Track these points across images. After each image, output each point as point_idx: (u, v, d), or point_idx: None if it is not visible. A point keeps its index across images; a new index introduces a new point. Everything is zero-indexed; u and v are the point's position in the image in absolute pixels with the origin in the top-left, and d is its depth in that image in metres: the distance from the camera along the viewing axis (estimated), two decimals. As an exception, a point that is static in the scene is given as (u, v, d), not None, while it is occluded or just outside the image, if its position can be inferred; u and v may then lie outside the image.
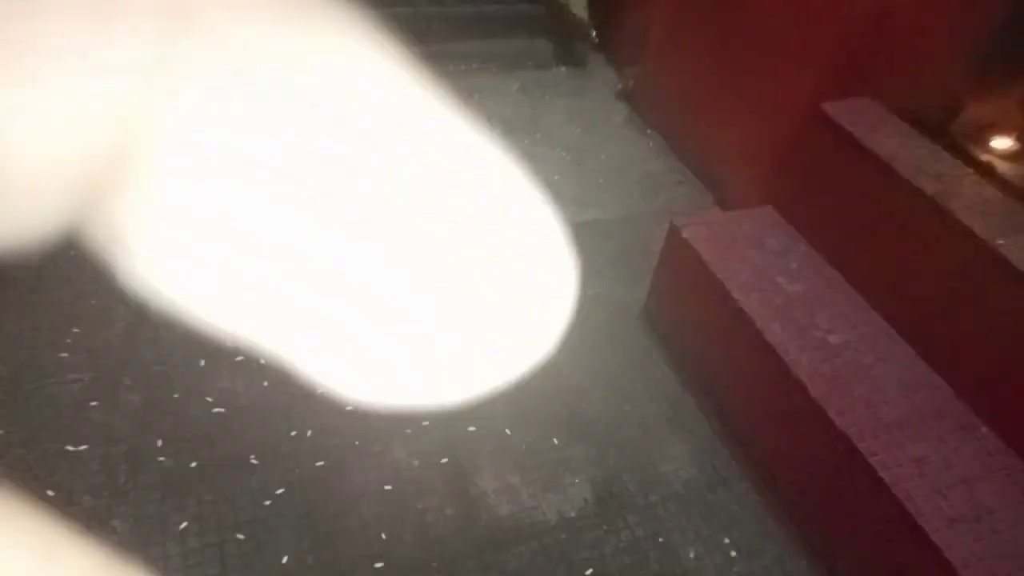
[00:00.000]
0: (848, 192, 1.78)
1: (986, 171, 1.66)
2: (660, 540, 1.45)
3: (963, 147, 1.73)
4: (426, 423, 1.59)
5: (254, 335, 0.10)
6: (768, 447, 1.61)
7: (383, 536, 1.39)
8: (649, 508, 1.52)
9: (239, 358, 1.64)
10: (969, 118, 1.81)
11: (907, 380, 1.50)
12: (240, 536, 1.35)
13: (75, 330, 1.63)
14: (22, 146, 0.08)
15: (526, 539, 1.42)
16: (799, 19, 1.97)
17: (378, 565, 1.34)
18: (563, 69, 3.01)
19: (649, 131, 2.70)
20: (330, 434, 1.53)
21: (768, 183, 2.13)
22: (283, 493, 1.42)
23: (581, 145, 2.63)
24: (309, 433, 1.52)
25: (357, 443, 1.52)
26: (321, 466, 1.47)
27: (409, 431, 1.56)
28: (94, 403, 1.51)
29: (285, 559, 1.32)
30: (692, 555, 1.45)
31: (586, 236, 2.21)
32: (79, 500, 1.35)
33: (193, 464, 1.44)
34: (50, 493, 1.34)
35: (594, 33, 3.01)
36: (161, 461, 1.44)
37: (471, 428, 1.60)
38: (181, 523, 1.35)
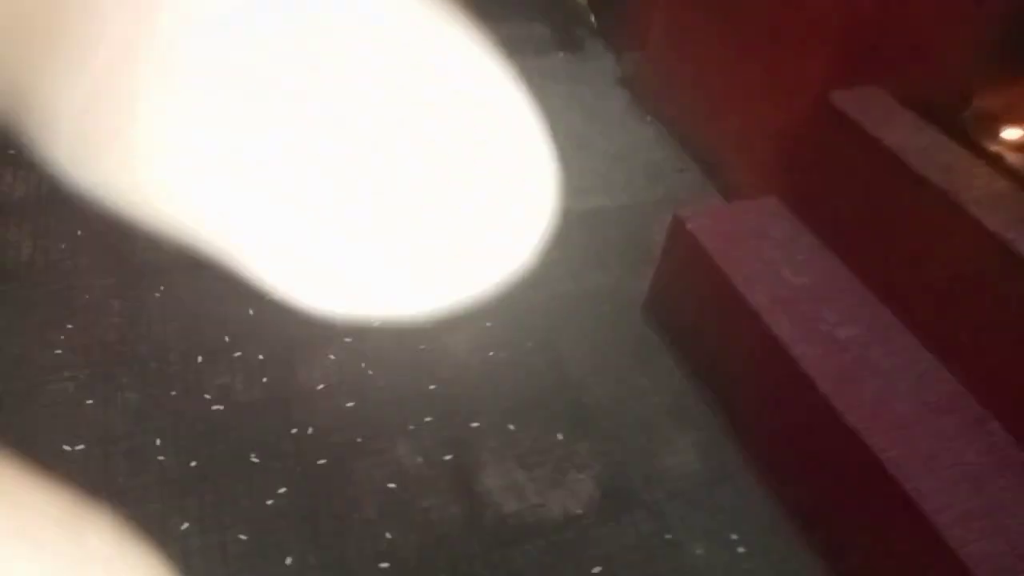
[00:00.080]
0: (856, 183, 1.75)
1: (997, 162, 1.64)
2: (668, 537, 1.44)
3: (973, 138, 1.71)
4: (429, 419, 1.57)
5: (200, 232, 0.10)
6: (775, 441, 1.60)
7: (388, 535, 1.37)
8: (656, 504, 1.51)
9: (237, 354, 1.61)
10: (979, 108, 1.79)
11: (916, 374, 1.48)
12: (242, 536, 1.33)
13: (69, 326, 1.60)
14: None
15: (532, 537, 1.41)
16: (806, 4, 1.94)
17: (383, 565, 1.32)
18: (561, 55, 2.96)
19: (650, 118, 2.67)
20: (332, 431, 1.51)
21: (772, 172, 2.10)
22: (285, 492, 1.40)
23: (582, 133, 2.60)
24: (310, 430, 1.49)
25: (359, 440, 1.50)
26: (323, 464, 1.45)
27: (412, 427, 1.54)
28: (90, 401, 1.48)
29: (289, 560, 1.30)
30: (700, 552, 1.43)
31: (588, 225, 2.19)
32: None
33: (193, 463, 1.41)
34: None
35: (593, 18, 2.96)
36: (160, 460, 1.41)
37: (474, 424, 1.58)
38: (182, 524, 1.33)
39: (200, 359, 1.58)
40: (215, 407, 1.51)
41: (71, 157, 0.09)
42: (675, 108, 2.57)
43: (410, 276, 0.10)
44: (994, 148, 1.68)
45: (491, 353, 1.75)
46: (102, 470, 1.38)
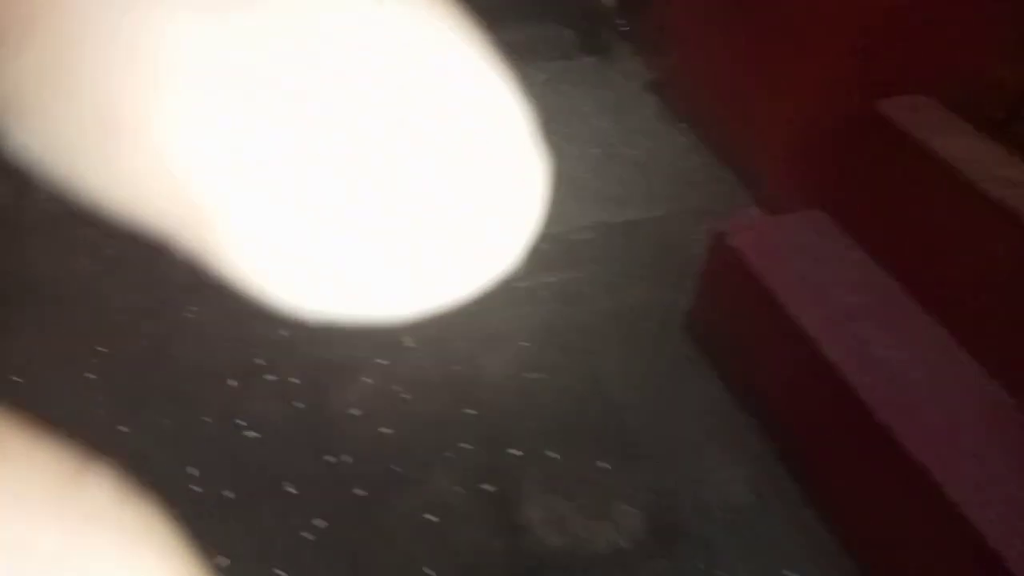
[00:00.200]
0: (906, 197, 1.68)
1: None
2: (719, 573, 1.39)
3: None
4: (467, 446, 1.52)
5: (188, 223, 0.09)
6: (832, 471, 1.53)
7: (427, 570, 1.32)
8: (705, 537, 1.45)
9: (270, 377, 1.57)
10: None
11: (983, 404, 1.42)
12: (279, 572, 1.29)
13: (100, 349, 1.56)
14: None
15: (578, 573, 1.35)
16: (848, 5, 1.86)
17: (425, 602, 1.28)
18: (588, 59, 2.90)
19: (681, 124, 2.60)
20: (368, 459, 1.46)
21: (812, 182, 2.04)
22: (322, 524, 1.35)
23: (611, 140, 2.54)
24: (346, 459, 1.45)
25: (396, 469, 1.45)
26: (360, 494, 1.41)
27: (450, 455, 1.49)
28: (123, 428, 1.44)
29: (328, 597, 1.26)
30: (752, 588, 1.38)
31: (622, 238, 2.13)
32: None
33: (228, 493, 1.37)
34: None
35: (620, 20, 2.90)
36: (194, 490, 1.37)
37: (514, 451, 1.53)
38: (218, 558, 1.29)
39: (233, 383, 1.54)
40: (249, 434, 1.47)
41: (62, 159, 0.09)
42: (707, 113, 2.51)
43: (399, 273, 0.09)
44: (1059, 162, 1.61)
45: (529, 375, 1.70)
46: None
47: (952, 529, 1.26)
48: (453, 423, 1.55)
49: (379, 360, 1.64)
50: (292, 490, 1.39)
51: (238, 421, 1.47)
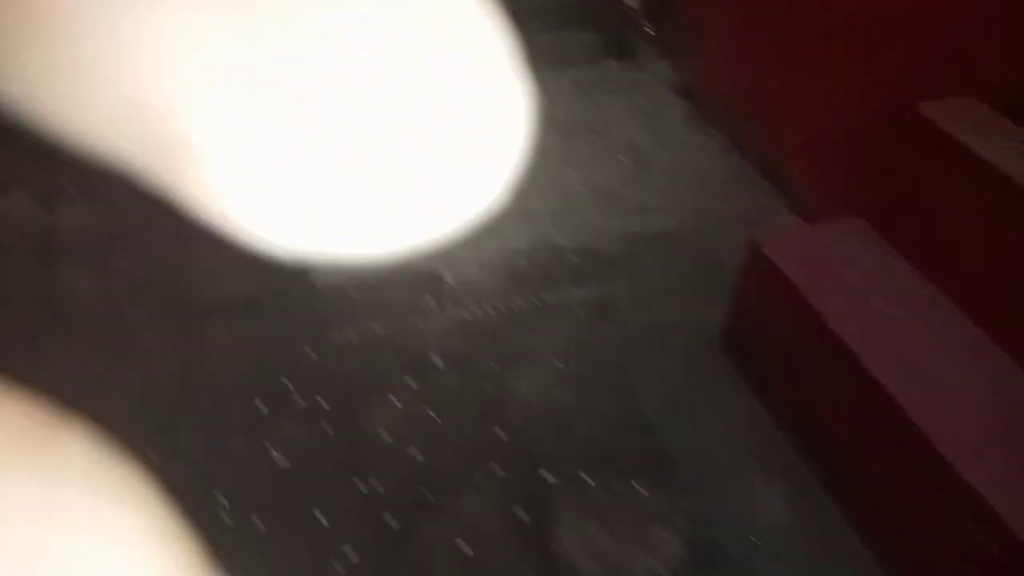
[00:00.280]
0: (952, 204, 1.61)
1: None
2: (763, 603, 1.33)
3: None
4: (499, 470, 1.48)
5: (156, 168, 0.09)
6: (881, 497, 1.47)
7: (461, 601, 1.29)
8: (745, 562, 1.40)
9: (299, 400, 1.55)
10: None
11: (1040, 424, 1.34)
12: (311, 605, 1.26)
13: (131, 373, 1.55)
14: None
15: (616, 603, 1.31)
16: (888, 4, 1.79)
17: (459, 636, 1.24)
18: (614, 64, 2.85)
19: (712, 129, 2.54)
20: (399, 486, 1.43)
21: (851, 188, 1.97)
22: (353, 555, 1.33)
23: (641, 147, 2.49)
24: (377, 486, 1.42)
25: (429, 496, 1.42)
26: (391, 523, 1.38)
27: (482, 480, 1.46)
28: (152, 455, 1.43)
29: (360, 631, 1.23)
30: (798, 619, 1.32)
31: (655, 249, 2.08)
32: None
33: (258, 523, 1.35)
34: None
35: (647, 24, 2.84)
36: (224, 519, 1.35)
37: (548, 475, 1.49)
38: (248, 590, 1.27)
39: (262, 407, 1.52)
40: (278, 459, 1.45)
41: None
42: (739, 118, 2.44)
43: (378, 209, 0.09)
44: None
45: (561, 394, 1.66)
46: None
47: (1010, 555, 1.20)
48: (484, 446, 1.52)
49: (408, 380, 1.62)
50: (322, 519, 1.37)
51: (267, 446, 1.46)
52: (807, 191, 2.16)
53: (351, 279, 1.82)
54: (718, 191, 2.33)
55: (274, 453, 1.45)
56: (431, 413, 1.56)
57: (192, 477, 1.40)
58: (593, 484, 1.48)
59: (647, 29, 2.81)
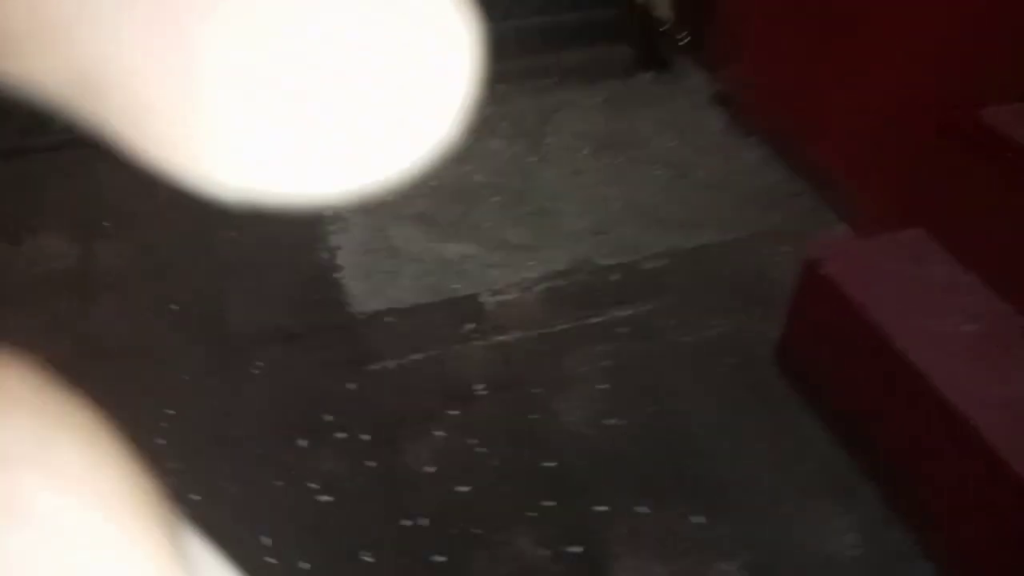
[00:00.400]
0: (1019, 212, 1.52)
1: None
2: (837, 644, 1.25)
3: None
4: (549, 503, 1.42)
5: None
6: (952, 522, 1.38)
7: (515, 644, 1.23)
8: (816, 600, 1.32)
9: (340, 435, 1.50)
10: None
11: None
12: (360, 650, 1.21)
13: (169, 411, 1.53)
14: None
15: (679, 645, 1.24)
16: (947, 6, 1.71)
17: None
18: (648, 75, 2.79)
19: (753, 138, 2.46)
20: (446, 522, 1.38)
21: (904, 196, 1.88)
22: (402, 596, 1.28)
23: (679, 159, 2.42)
24: (423, 522, 1.37)
25: (477, 531, 1.37)
26: (440, 561, 1.33)
27: (532, 514, 1.40)
28: (195, 496, 1.40)
29: None
30: (875, 660, 1.24)
31: (699, 265, 2.01)
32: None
33: (303, 564, 1.31)
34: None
35: (680, 33, 2.78)
36: (269, 562, 1.31)
37: (600, 507, 1.43)
38: (295, 635, 1.23)
39: (303, 443, 1.48)
40: (321, 497, 1.40)
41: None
42: (781, 125, 2.37)
43: (323, 146, 0.09)
44: None
45: (609, 421, 1.59)
46: None
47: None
48: (533, 478, 1.46)
49: (450, 411, 1.57)
50: (368, 558, 1.32)
51: (310, 484, 1.41)
52: (858, 200, 2.08)
53: (389, 305, 1.78)
54: (761, 202, 2.25)
55: (316, 490, 1.41)
56: (475, 443, 1.51)
57: (233, 517, 1.36)
58: (646, 514, 1.42)
59: (680, 38, 2.75)
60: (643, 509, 1.43)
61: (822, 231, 2.14)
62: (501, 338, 1.74)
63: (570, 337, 1.77)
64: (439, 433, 1.52)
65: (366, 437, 1.50)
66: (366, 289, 1.82)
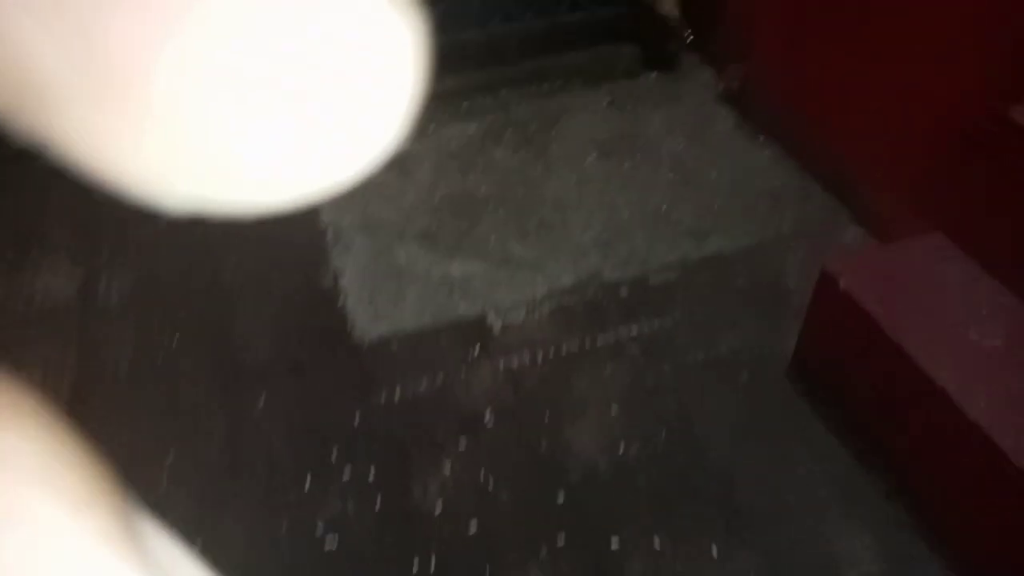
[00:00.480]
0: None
1: None
2: None
3: None
4: (562, 539, 1.38)
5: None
6: (979, 541, 1.33)
7: None
8: (841, 633, 1.27)
9: (346, 472, 1.47)
10: None
11: None
12: None
13: (173, 448, 1.50)
14: None
15: None
16: (966, 2, 1.64)
17: None
18: (654, 75, 2.72)
19: (763, 138, 2.39)
20: (457, 562, 1.34)
21: (924, 198, 1.81)
22: (413, 643, 1.24)
23: (687, 161, 2.36)
24: (434, 564, 1.34)
25: (488, 572, 1.33)
26: (451, 604, 1.29)
27: (545, 551, 1.36)
28: (200, 540, 1.37)
29: None
30: None
31: (710, 274, 1.95)
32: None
33: (311, 612, 1.28)
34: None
35: (686, 30, 2.70)
36: (275, 610, 1.29)
37: (615, 541, 1.38)
38: None
39: (309, 480, 1.45)
40: (329, 540, 1.37)
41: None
42: (793, 124, 2.29)
43: (270, 152, 0.09)
44: None
45: (622, 446, 1.55)
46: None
47: None
48: (545, 512, 1.42)
49: (458, 441, 1.53)
50: (378, 604, 1.29)
51: (317, 525, 1.38)
52: (876, 202, 2.01)
53: (394, 331, 1.74)
54: (775, 205, 2.18)
55: (323, 532, 1.38)
56: (485, 477, 1.47)
57: (241, 567, 1.33)
58: (666, 548, 1.37)
59: (687, 36, 2.67)
60: (659, 541, 1.38)
61: (836, 233, 2.08)
62: (509, 361, 1.70)
63: (579, 358, 1.72)
64: (448, 467, 1.49)
65: (373, 473, 1.46)
66: (370, 314, 1.78)
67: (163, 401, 1.62)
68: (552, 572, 1.33)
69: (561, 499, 1.44)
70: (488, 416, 1.58)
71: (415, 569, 1.33)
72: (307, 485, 1.45)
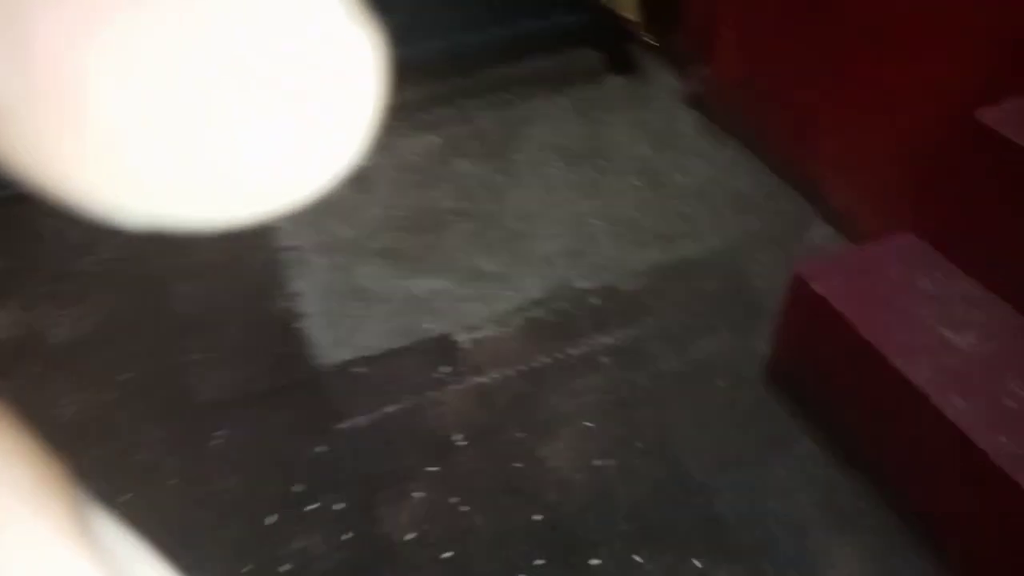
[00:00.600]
0: (1020, 214, 1.44)
1: None
2: None
3: None
4: (540, 561, 1.33)
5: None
6: (971, 550, 1.30)
7: None
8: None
9: (312, 506, 1.40)
10: None
11: None
12: None
13: (126, 495, 1.42)
14: None
15: None
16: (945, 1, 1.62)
17: None
18: (617, 79, 2.69)
19: (728, 140, 2.37)
20: (431, 595, 1.28)
21: (894, 197, 1.80)
22: None
23: (653, 166, 2.33)
24: (407, 599, 1.28)
25: (465, 604, 1.27)
26: (427, 641, 1.23)
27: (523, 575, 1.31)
28: (156, 587, 1.29)
29: None
30: None
31: (680, 280, 1.92)
32: None
33: (277, 658, 1.21)
34: None
35: (649, 34, 2.68)
36: (240, 658, 1.21)
37: (594, 561, 1.33)
38: None
39: (272, 519, 1.38)
40: (295, 579, 1.30)
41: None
42: (758, 125, 2.28)
43: (220, 176, 0.08)
44: None
45: (597, 462, 1.50)
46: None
47: None
48: (521, 534, 1.37)
49: (429, 467, 1.47)
50: (348, 645, 1.22)
51: (282, 567, 1.31)
52: (844, 202, 1.99)
53: (358, 354, 1.68)
54: (742, 206, 2.16)
55: (290, 569, 1.31)
56: (457, 502, 1.41)
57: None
58: (647, 565, 1.33)
59: (648, 39, 2.65)
60: (639, 558, 1.34)
61: (805, 233, 2.06)
62: (478, 380, 1.64)
63: (551, 373, 1.67)
64: (418, 494, 1.42)
65: (340, 506, 1.39)
66: (332, 337, 1.72)
67: (112, 447, 1.53)
68: (531, 600, 1.28)
69: (537, 519, 1.39)
70: (458, 439, 1.53)
71: (387, 605, 1.27)
72: (270, 524, 1.38)
